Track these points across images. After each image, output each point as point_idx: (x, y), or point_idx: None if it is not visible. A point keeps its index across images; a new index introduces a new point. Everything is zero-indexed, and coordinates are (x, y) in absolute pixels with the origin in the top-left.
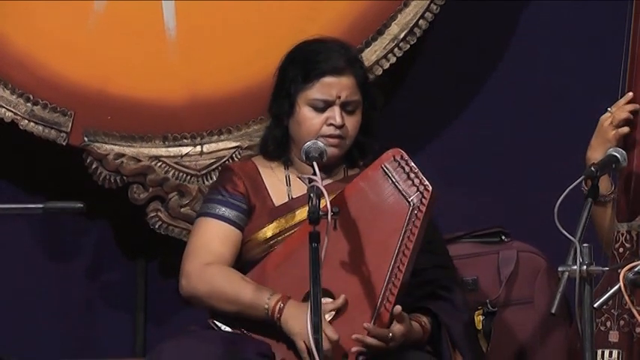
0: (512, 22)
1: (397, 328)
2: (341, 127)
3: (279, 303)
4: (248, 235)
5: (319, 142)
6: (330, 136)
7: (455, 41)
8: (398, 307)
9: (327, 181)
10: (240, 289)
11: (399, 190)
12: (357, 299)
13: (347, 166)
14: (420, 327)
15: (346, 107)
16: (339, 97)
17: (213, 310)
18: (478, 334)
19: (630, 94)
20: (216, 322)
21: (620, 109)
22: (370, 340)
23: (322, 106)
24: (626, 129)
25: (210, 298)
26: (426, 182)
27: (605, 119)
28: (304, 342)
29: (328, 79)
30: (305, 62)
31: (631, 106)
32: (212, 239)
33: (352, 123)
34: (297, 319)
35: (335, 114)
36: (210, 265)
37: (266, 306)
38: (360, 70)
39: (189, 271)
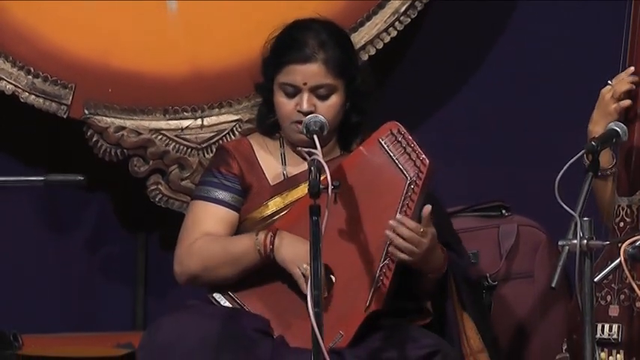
0: None
1: (428, 229)
2: (309, 113)
3: (269, 236)
4: (245, 214)
5: (320, 116)
6: (300, 122)
7: (456, 14)
8: (428, 207)
9: (326, 159)
10: (228, 245)
11: (396, 164)
12: (353, 275)
13: (341, 146)
14: (442, 252)
15: (317, 92)
16: (305, 84)
17: (216, 284)
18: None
19: (632, 68)
20: (216, 297)
21: (621, 82)
22: (403, 229)
23: (291, 92)
24: (627, 102)
25: (206, 270)
26: (423, 156)
27: (607, 92)
28: (298, 268)
29: (294, 66)
30: (278, 48)
31: (631, 78)
32: (204, 222)
33: (326, 107)
34: (288, 247)
35: (302, 100)
36: (196, 241)
37: (256, 243)
38: (334, 52)
39: (178, 254)
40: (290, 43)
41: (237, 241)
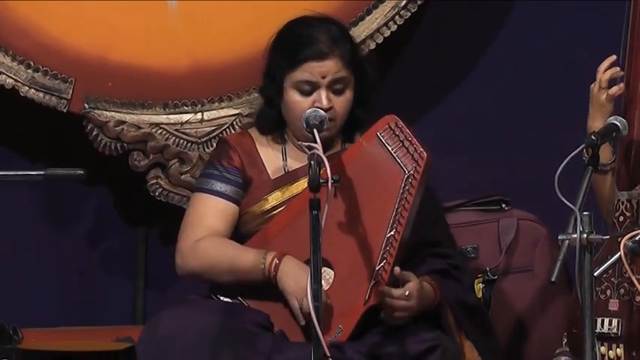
0: None
1: (409, 285)
2: (328, 109)
3: (275, 260)
4: (245, 207)
5: (320, 110)
6: None
7: (456, 9)
8: (397, 269)
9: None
10: (234, 257)
11: (394, 158)
12: (353, 268)
13: (343, 139)
14: (431, 287)
15: (334, 87)
16: (324, 78)
17: (214, 283)
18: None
19: (613, 56)
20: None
21: (603, 71)
22: (394, 301)
23: (308, 89)
24: (616, 88)
25: (207, 273)
26: (421, 149)
27: (594, 86)
28: (297, 300)
29: (311, 63)
30: (289, 47)
31: (609, 65)
32: (206, 215)
33: (341, 102)
34: (291, 278)
35: (321, 97)
36: (202, 240)
37: (262, 266)
38: (346, 46)
39: (182, 249)
40: (302, 41)
41: (244, 256)
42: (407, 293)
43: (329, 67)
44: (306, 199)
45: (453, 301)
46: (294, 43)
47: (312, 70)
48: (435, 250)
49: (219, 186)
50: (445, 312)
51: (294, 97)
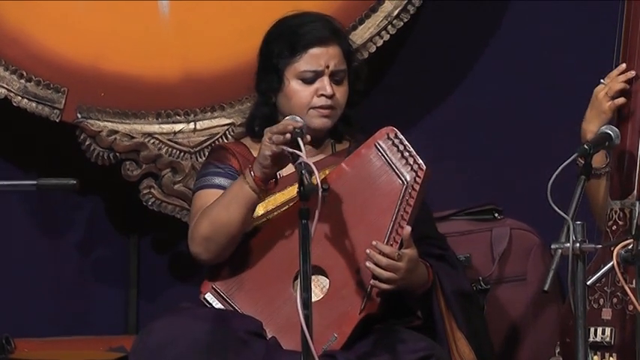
0: None
1: (407, 250)
2: (331, 96)
3: (246, 170)
4: None
5: (297, 117)
6: (322, 107)
7: (448, 18)
8: (407, 228)
9: (317, 158)
10: (223, 195)
11: (393, 169)
12: (349, 277)
13: (334, 140)
14: (426, 268)
15: (334, 77)
16: (328, 67)
17: (227, 242)
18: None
19: (623, 65)
20: (208, 299)
21: (615, 80)
22: (380, 257)
23: (311, 78)
24: (621, 100)
25: (214, 225)
26: (420, 161)
27: (600, 90)
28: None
29: (315, 50)
30: (290, 35)
31: (624, 77)
32: (207, 204)
33: (341, 93)
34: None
35: (325, 84)
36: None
37: (243, 177)
38: (344, 40)
39: (189, 234)
40: (303, 29)
41: (229, 188)
42: (398, 253)
43: (331, 54)
44: (296, 207)
45: (447, 285)
46: (294, 31)
47: (316, 56)
48: (428, 240)
49: (220, 180)
50: (437, 296)
51: (296, 86)
